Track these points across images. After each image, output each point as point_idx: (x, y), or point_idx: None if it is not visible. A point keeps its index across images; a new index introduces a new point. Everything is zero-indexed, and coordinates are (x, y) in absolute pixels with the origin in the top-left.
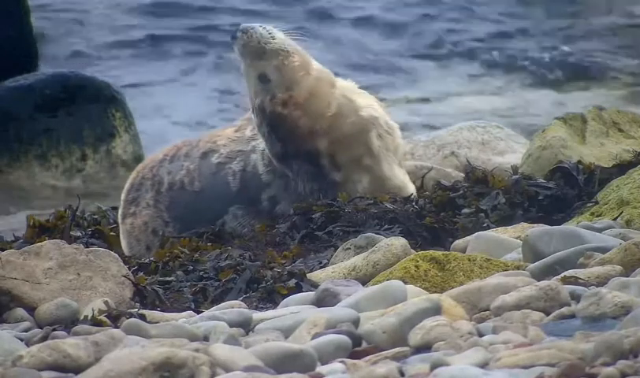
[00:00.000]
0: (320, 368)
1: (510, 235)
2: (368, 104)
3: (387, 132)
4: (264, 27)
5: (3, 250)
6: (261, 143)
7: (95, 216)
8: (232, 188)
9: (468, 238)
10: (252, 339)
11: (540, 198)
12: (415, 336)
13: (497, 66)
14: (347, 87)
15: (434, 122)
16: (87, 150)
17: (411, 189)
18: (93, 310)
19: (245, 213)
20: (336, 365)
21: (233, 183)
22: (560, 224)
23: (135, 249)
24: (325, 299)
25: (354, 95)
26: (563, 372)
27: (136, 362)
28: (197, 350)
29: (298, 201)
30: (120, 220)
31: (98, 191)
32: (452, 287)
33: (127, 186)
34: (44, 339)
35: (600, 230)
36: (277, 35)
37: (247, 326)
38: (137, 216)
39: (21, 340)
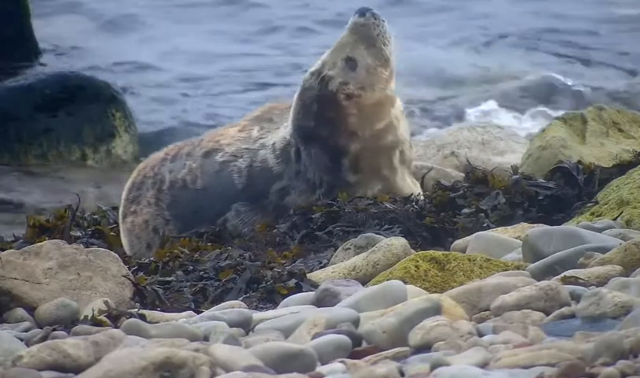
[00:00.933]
0: (320, 368)
1: (510, 235)
2: (405, 128)
3: (407, 148)
4: (386, 27)
5: (3, 250)
6: (270, 139)
7: (95, 216)
8: (237, 185)
9: (468, 238)
10: (252, 339)
11: (540, 198)
12: (415, 336)
13: None
14: (398, 107)
15: None
16: (87, 150)
17: (416, 190)
18: (93, 310)
19: (249, 209)
20: (336, 365)
21: (239, 180)
22: (560, 224)
23: (136, 247)
24: (325, 299)
25: (399, 117)
26: (563, 372)
27: (136, 362)
28: (197, 350)
29: (307, 192)
30: (121, 218)
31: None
32: (452, 287)
33: (128, 184)
34: (44, 339)
35: (600, 230)
36: (391, 41)
37: (247, 326)
38: (138, 215)
39: (21, 340)
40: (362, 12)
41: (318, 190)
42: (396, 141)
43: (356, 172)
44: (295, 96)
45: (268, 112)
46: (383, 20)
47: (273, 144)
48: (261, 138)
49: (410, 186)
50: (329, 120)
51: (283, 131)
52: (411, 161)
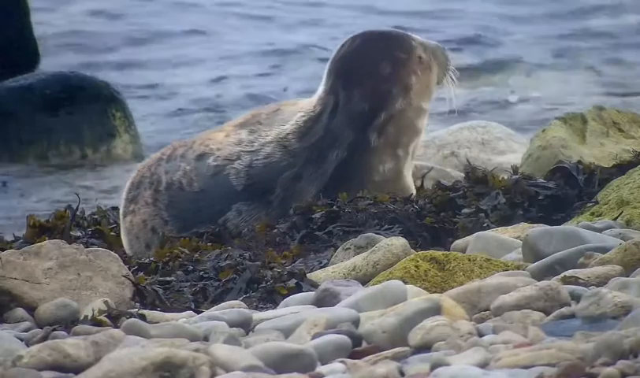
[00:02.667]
0: (320, 368)
1: (510, 235)
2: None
3: (418, 147)
4: (453, 79)
5: (3, 250)
6: (273, 134)
7: (95, 216)
8: (235, 187)
9: (468, 238)
10: (252, 339)
11: (540, 198)
12: (415, 336)
13: None
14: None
15: None
16: (87, 150)
17: (413, 191)
18: (93, 310)
19: (251, 207)
20: (336, 365)
21: (237, 181)
22: (560, 224)
23: (135, 247)
24: (325, 299)
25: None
26: (563, 372)
27: (136, 362)
28: (197, 350)
29: (320, 180)
30: (121, 218)
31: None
32: (452, 287)
33: (128, 184)
34: (44, 339)
35: (600, 230)
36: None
37: (247, 326)
38: (136, 214)
39: (21, 340)
40: (445, 49)
41: (338, 152)
42: (421, 130)
43: (381, 134)
44: (357, 36)
45: (253, 117)
46: (452, 68)
47: (286, 134)
48: (257, 139)
49: (410, 177)
50: (396, 63)
51: (297, 115)
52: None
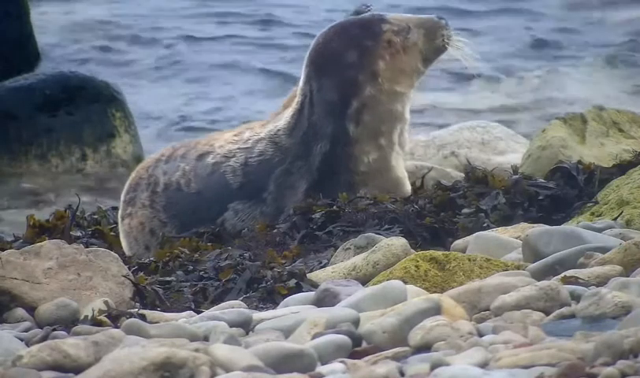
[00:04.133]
0: (320, 368)
1: (510, 235)
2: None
3: (406, 132)
4: (452, 37)
5: (3, 250)
6: (266, 131)
7: (95, 216)
8: (232, 185)
9: (468, 238)
10: (252, 339)
11: (540, 198)
12: (415, 336)
13: None
14: (412, 96)
15: None
16: (87, 150)
17: (408, 188)
18: (93, 310)
19: (247, 206)
20: (337, 365)
21: (234, 179)
22: (560, 224)
23: (135, 249)
24: (325, 299)
25: (410, 101)
26: (563, 372)
27: (136, 362)
28: (197, 350)
29: (309, 160)
30: (119, 220)
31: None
32: (452, 287)
33: (126, 187)
34: (44, 339)
35: (600, 230)
36: (445, 51)
37: (247, 326)
38: (134, 217)
39: (21, 340)
40: (439, 17)
41: (321, 144)
42: (402, 116)
43: (358, 123)
44: (331, 27)
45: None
46: (451, 33)
47: (277, 131)
48: (253, 136)
49: (401, 169)
50: (361, 50)
51: (288, 111)
52: (404, 145)
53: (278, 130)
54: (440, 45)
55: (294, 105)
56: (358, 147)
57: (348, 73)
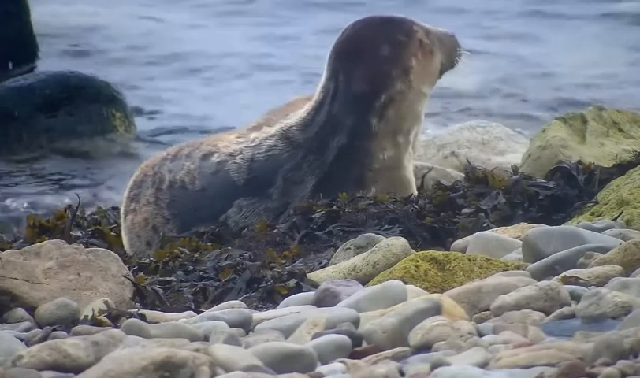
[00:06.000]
0: (320, 368)
1: (510, 235)
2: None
3: (420, 135)
4: (463, 58)
5: (3, 250)
6: (277, 128)
7: (95, 216)
8: (237, 182)
9: (468, 238)
10: (252, 339)
11: (540, 198)
12: (415, 336)
13: None
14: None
15: None
16: (86, 150)
17: (415, 191)
18: (93, 310)
19: (251, 202)
20: (336, 365)
21: (238, 176)
22: (559, 224)
23: (136, 245)
24: (325, 299)
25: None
26: (563, 372)
27: (136, 362)
28: (197, 350)
29: (320, 168)
30: (122, 216)
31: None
32: (452, 287)
33: (130, 183)
34: (44, 339)
35: (600, 230)
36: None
37: (247, 326)
38: (137, 213)
39: (21, 340)
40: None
41: (338, 138)
42: (421, 116)
43: (381, 118)
44: (358, 21)
45: (265, 120)
46: (462, 52)
47: (289, 127)
48: (261, 134)
49: (412, 172)
50: (396, 45)
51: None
52: (417, 149)
53: (291, 126)
54: (454, 61)
55: (311, 103)
56: (376, 142)
57: (381, 66)
